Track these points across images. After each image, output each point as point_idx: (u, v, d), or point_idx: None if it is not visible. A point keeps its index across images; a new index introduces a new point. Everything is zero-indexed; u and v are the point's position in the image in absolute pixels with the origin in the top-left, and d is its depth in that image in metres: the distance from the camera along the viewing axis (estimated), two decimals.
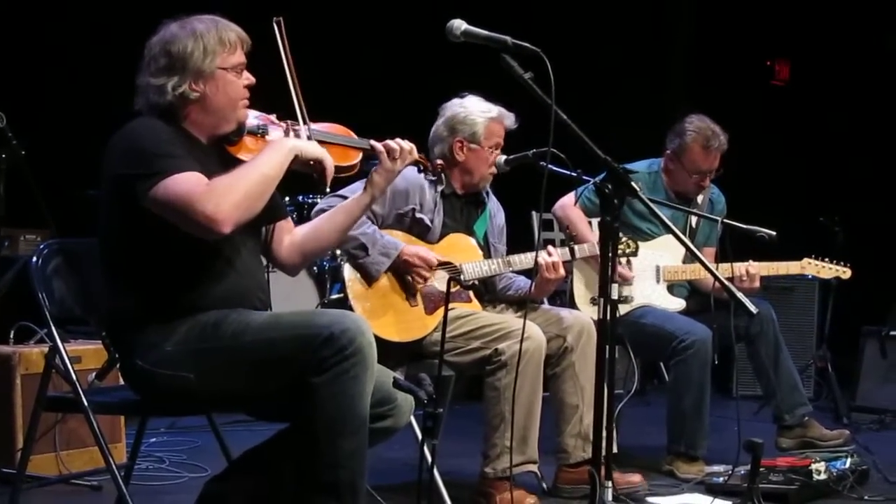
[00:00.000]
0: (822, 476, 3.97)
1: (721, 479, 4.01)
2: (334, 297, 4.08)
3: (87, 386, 3.20)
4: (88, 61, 5.94)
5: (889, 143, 7.94)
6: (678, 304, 4.62)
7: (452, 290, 3.59)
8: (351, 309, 3.68)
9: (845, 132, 8.16)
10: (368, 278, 3.80)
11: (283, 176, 2.82)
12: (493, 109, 4.01)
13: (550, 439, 4.01)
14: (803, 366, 6.01)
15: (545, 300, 4.38)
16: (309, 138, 2.98)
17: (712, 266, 2.93)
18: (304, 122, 3.01)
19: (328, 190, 3.01)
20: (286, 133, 2.99)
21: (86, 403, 3.01)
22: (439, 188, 3.98)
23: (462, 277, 3.90)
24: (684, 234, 4.36)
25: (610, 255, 2.78)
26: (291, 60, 3.04)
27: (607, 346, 2.79)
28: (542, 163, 3.06)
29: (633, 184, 2.78)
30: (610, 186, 2.79)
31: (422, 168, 3.29)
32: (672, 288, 4.65)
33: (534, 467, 3.87)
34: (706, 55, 8.31)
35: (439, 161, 3.57)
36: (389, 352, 3.47)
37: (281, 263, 3.16)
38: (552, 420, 3.99)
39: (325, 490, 2.70)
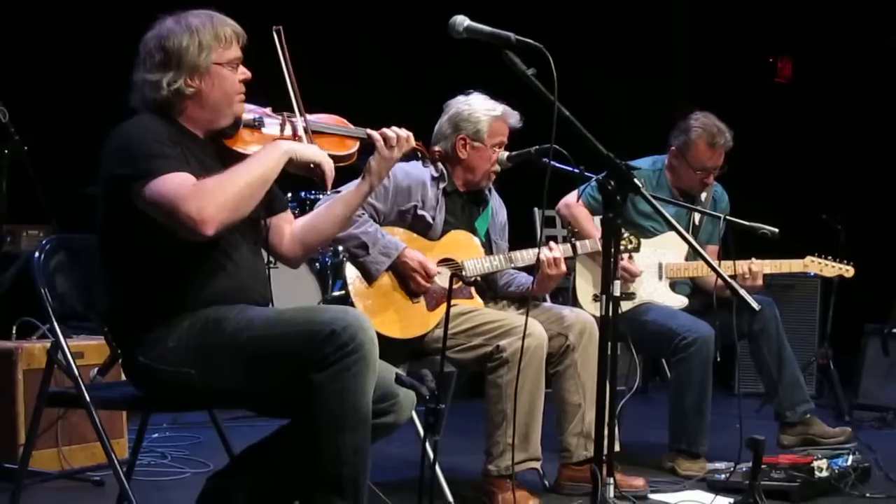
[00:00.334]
0: (824, 473, 3.96)
1: (723, 476, 4.01)
2: (336, 293, 4.08)
3: (89, 381, 3.19)
4: (91, 57, 5.94)
5: (892, 140, 7.92)
6: (681, 301, 4.62)
7: (454, 286, 3.59)
8: (353, 305, 3.68)
9: (848, 130, 8.14)
10: (368, 277, 3.79)
11: (283, 176, 2.82)
12: (498, 108, 3.99)
13: (552, 437, 4.00)
14: (805, 363, 6.00)
15: (547, 298, 4.38)
16: (305, 130, 2.98)
17: (715, 263, 2.92)
18: (301, 114, 3.01)
19: (329, 192, 3.01)
20: (282, 124, 2.99)
21: (88, 399, 3.00)
22: (441, 185, 3.97)
23: (464, 274, 3.89)
24: (687, 231, 4.35)
25: (612, 251, 2.78)
26: (292, 69, 3.03)
27: (609, 343, 2.79)
28: (544, 159, 3.05)
29: (636, 181, 2.77)
30: (613, 183, 2.77)
31: (420, 155, 3.28)
32: (674, 286, 4.64)
33: (536, 464, 3.86)
34: (709, 52, 8.30)
35: (437, 148, 3.55)
36: (391, 349, 3.46)
37: (282, 256, 3.16)
38: (554, 418, 3.99)
39: (328, 486, 2.70)
